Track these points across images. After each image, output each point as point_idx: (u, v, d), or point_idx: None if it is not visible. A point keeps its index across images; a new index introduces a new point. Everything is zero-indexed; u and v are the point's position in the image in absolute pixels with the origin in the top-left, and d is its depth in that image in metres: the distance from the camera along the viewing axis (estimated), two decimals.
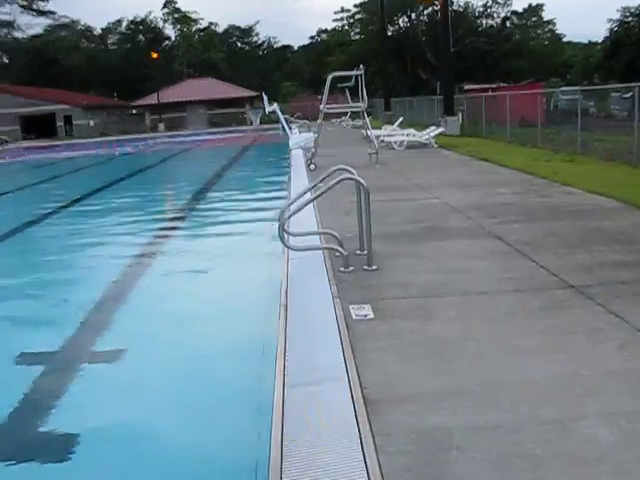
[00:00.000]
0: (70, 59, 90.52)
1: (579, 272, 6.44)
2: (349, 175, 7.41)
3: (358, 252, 7.60)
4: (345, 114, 56.44)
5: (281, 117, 20.46)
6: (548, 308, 5.51)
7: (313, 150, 18.18)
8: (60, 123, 69.37)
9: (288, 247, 7.07)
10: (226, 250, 10.68)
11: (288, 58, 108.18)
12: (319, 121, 18.38)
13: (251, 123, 64.34)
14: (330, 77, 17.28)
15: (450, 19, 30.26)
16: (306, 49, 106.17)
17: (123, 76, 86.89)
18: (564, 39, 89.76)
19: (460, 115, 31.29)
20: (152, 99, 68.93)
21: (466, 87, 43.72)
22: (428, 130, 24.02)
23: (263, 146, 38.37)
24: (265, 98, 19.77)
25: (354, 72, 17.53)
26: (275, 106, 20.56)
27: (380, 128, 31.84)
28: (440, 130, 23.66)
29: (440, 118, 31.14)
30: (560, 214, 9.50)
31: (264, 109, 20.54)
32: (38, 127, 67.07)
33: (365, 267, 7.01)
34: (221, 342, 6.54)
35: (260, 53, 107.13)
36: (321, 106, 17.79)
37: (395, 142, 23.09)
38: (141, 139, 51.94)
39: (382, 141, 23.89)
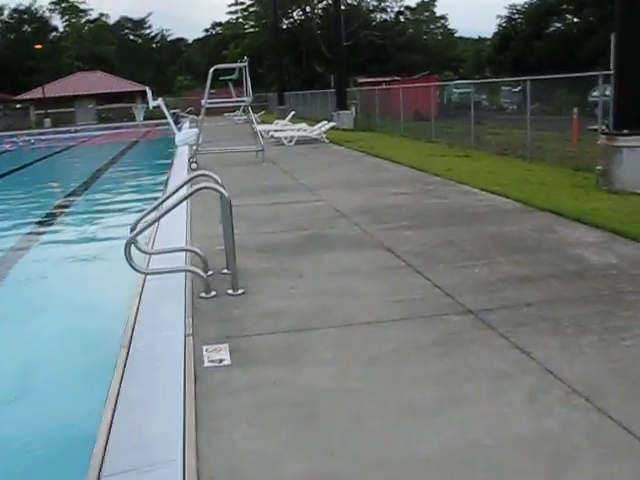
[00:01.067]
0: None
1: (478, 292, 5.52)
2: (207, 185, 6.22)
3: (225, 271, 6.46)
4: (238, 108, 55.28)
5: (166, 112, 18.97)
6: (443, 343, 4.53)
7: (194, 147, 16.86)
8: None
9: (135, 269, 5.82)
10: (71, 272, 9.08)
11: (182, 52, 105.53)
12: (201, 116, 17.10)
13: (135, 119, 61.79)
14: (212, 70, 16.01)
15: (343, 13, 29.61)
16: (201, 42, 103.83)
17: (8, 68, 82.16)
18: (456, 34, 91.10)
19: (353, 109, 30.56)
20: (38, 93, 65.26)
21: (360, 80, 43.10)
22: (319, 125, 23.08)
23: (151, 142, 36.60)
24: (149, 93, 18.27)
25: (237, 64, 16.34)
26: (160, 101, 19.05)
27: (272, 123, 30.78)
28: (331, 125, 22.78)
29: (333, 112, 30.34)
30: (455, 218, 8.65)
31: (148, 104, 18.88)
32: None
33: (229, 291, 5.87)
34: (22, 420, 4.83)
35: (153, 46, 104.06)
36: (202, 101, 16.51)
37: (285, 138, 22.03)
38: (21, 135, 48.73)
39: (272, 137, 22.81)
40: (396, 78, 39.11)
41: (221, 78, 17.56)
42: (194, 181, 6.69)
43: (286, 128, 25.87)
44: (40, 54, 73.49)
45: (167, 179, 14.93)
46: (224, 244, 5.98)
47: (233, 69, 16.38)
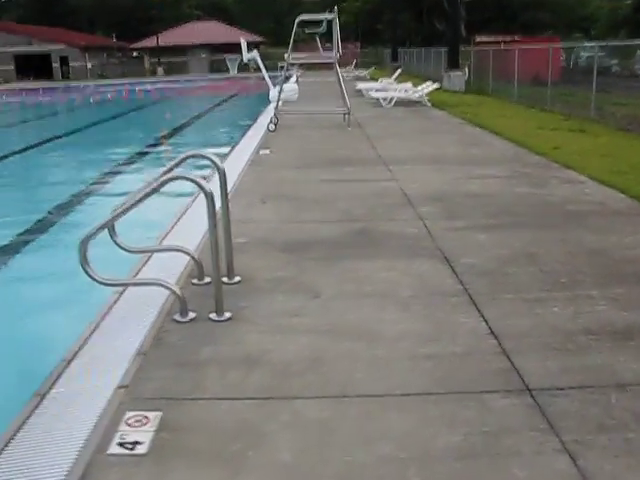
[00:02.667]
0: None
1: (549, 349, 3.80)
2: (182, 174, 4.68)
3: (226, 280, 4.99)
4: (349, 64, 53.39)
5: (262, 66, 17.51)
6: (468, 454, 2.88)
7: (275, 106, 15.37)
8: (56, 64, 66.28)
9: (93, 278, 4.39)
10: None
11: (302, 3, 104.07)
12: (283, 73, 15.57)
13: (229, 71, 60.86)
14: (297, 21, 14.40)
15: None
16: None
17: (131, 17, 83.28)
18: None
19: (466, 70, 28.20)
20: (153, 41, 65.54)
21: (477, 39, 40.22)
22: (423, 86, 21.07)
23: (246, 98, 35.32)
24: (244, 44, 16.81)
25: (324, 16, 14.64)
26: (255, 53, 17.61)
27: (378, 80, 28.92)
28: (435, 86, 20.71)
29: (444, 72, 28.13)
30: (548, 217, 6.79)
31: (242, 57, 17.46)
32: (34, 68, 64.07)
33: (212, 316, 4.39)
34: None
35: None
36: (285, 55, 14.96)
37: (384, 99, 20.20)
38: (118, 85, 48.69)
39: (371, 97, 21.04)
40: (516, 38, 36.05)
41: (307, 31, 15.89)
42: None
43: (389, 87, 23.98)
44: (161, 3, 73.77)
45: (235, 144, 13.49)
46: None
47: (321, 21, 14.68)
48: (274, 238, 6.15)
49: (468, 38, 57.34)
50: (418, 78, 34.19)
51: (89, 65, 67.24)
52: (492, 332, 4.03)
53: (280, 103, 19.94)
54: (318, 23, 14.83)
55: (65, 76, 65.56)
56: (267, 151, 11.49)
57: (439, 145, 11.88)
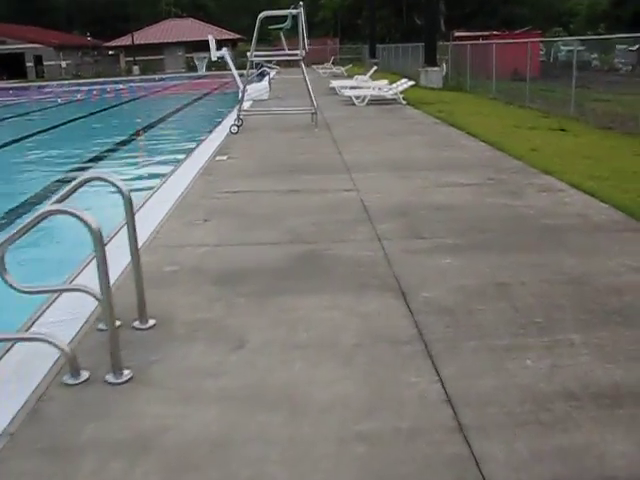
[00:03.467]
0: None
1: (518, 425, 3.01)
2: (62, 208, 3.80)
3: (137, 324, 4.17)
4: (328, 61, 52.55)
5: (231, 65, 16.63)
6: None
7: (238, 106, 14.54)
8: (30, 64, 65.04)
9: None
10: None
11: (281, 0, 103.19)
12: (246, 71, 14.73)
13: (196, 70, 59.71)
14: (260, 17, 13.56)
15: None
16: None
17: (108, 15, 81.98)
18: None
19: (444, 66, 27.46)
20: (128, 40, 64.38)
21: (456, 34, 39.51)
22: (398, 83, 20.30)
23: (218, 97, 34.30)
24: (212, 42, 15.93)
25: (288, 11, 13.81)
26: (224, 51, 16.75)
27: (352, 78, 28.16)
28: (410, 84, 19.93)
29: (420, 68, 27.39)
30: (525, 235, 6.01)
31: (210, 55, 16.56)
32: (7, 67, 62.78)
33: (108, 377, 3.56)
34: None
35: None
36: (248, 53, 14.15)
37: (356, 97, 19.40)
38: (89, 85, 47.50)
39: (344, 95, 20.25)
40: (495, 33, 35.37)
41: (270, 27, 15.04)
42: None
43: (364, 85, 23.21)
44: (138, 1, 72.62)
45: (192, 149, 12.62)
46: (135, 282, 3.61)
47: (285, 16, 13.84)
48: (208, 266, 5.34)
49: (447, 34, 56.73)
50: (396, 75, 33.42)
51: (63, 64, 66.06)
52: (448, 398, 3.24)
53: (248, 103, 19.14)
54: (284, 19, 13.98)
55: (39, 75, 64.38)
56: (224, 157, 10.67)
57: (409, 148, 11.09)
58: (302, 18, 13.59)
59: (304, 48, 13.86)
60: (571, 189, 7.73)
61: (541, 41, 24.53)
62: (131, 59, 63.66)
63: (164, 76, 54.40)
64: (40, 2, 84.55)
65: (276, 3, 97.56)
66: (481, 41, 27.56)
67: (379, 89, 20.18)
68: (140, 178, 11.37)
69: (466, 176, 8.57)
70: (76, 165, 13.16)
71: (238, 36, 66.74)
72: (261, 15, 13.56)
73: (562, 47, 30.61)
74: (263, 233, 6.26)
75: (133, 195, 3.97)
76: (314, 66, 47.37)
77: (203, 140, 13.53)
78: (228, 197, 7.82)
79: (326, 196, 7.69)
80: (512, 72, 22.77)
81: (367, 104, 19.06)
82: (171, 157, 12.60)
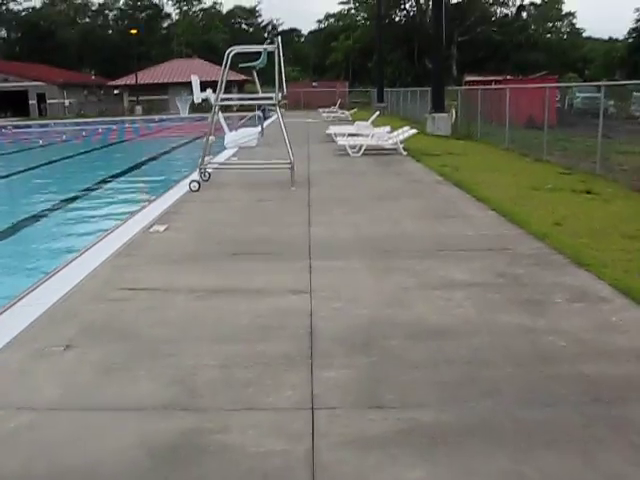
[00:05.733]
0: (65, 34, 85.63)
1: None
2: None
3: None
4: (334, 104, 50.68)
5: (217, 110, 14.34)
6: None
7: (200, 161, 12.29)
8: (33, 101, 63.73)
9: None
10: None
11: (293, 42, 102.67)
12: (210, 116, 12.51)
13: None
14: (228, 53, 11.41)
15: (460, 6, 24.33)
16: (313, 34, 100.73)
17: (119, 54, 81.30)
18: (583, 34, 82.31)
19: (453, 112, 25.30)
20: (132, 79, 62.98)
21: (467, 78, 37.46)
22: (399, 131, 18.06)
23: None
24: (195, 83, 13.65)
25: (262, 47, 11.65)
26: (209, 93, 14.41)
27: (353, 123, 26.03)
28: (412, 132, 17.67)
29: (427, 114, 25.24)
30: (555, 402, 3.60)
31: (194, 97, 14.24)
32: (11, 104, 61.53)
33: None
34: None
35: (265, 35, 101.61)
36: (209, 96, 11.99)
37: (352, 147, 17.16)
38: (77, 125, 45.53)
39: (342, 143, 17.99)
40: (508, 77, 33.27)
41: (241, 65, 12.87)
42: None
43: (364, 132, 20.98)
44: (150, 41, 71.71)
45: (134, 212, 10.30)
46: None
47: (258, 53, 11.68)
48: (12, 465, 2.96)
49: (460, 78, 54.89)
50: (404, 121, 31.36)
51: (66, 102, 64.72)
52: None
53: (231, 151, 16.88)
54: (254, 55, 11.81)
55: (42, 113, 63.07)
56: (161, 227, 8.36)
57: (398, 218, 8.73)
58: (279, 54, 11.38)
59: (281, 90, 11.62)
60: (618, 296, 5.33)
61: (560, 86, 22.33)
62: (134, 99, 62.17)
63: (164, 117, 52.58)
64: (50, 40, 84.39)
65: (287, 47, 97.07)
66: (494, 85, 25.46)
67: (377, 138, 17.92)
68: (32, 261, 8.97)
69: (468, 268, 6.19)
70: None
71: (244, 77, 65.20)
72: (229, 51, 11.40)
73: (578, 94, 28.51)
74: (135, 383, 3.90)
75: None
76: (320, 109, 45.61)
77: (152, 200, 11.22)
78: (126, 300, 5.46)
79: (263, 303, 5.31)
80: (527, 120, 20.60)
81: (363, 154, 16.82)
82: (102, 224, 10.26)
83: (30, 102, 63.85)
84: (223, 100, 12.09)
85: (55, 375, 4.06)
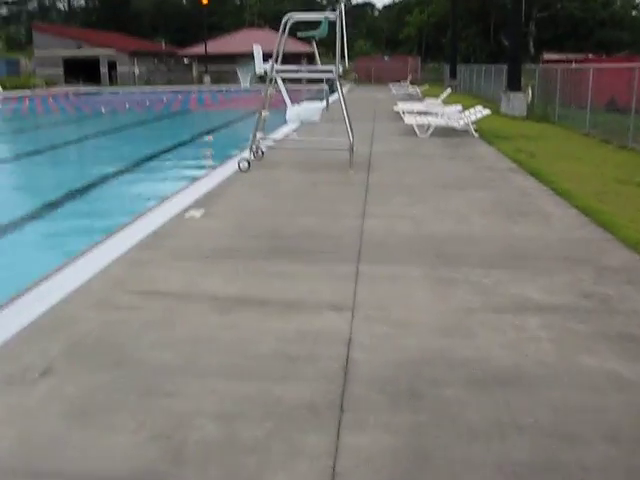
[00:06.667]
0: (140, 3, 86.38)
1: None
2: None
3: None
4: (405, 79, 49.18)
5: (280, 81, 13.40)
6: None
7: (252, 136, 11.39)
8: (104, 69, 64.12)
9: None
10: None
11: (367, 16, 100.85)
12: (267, 89, 11.57)
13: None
14: (286, 20, 10.44)
15: None
16: (388, 8, 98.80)
17: (191, 23, 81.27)
18: None
19: (529, 91, 23.76)
20: (201, 49, 62.52)
21: (545, 57, 35.47)
22: (471, 111, 16.80)
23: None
24: (258, 52, 12.74)
25: (322, 15, 10.61)
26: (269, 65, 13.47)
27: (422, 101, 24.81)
28: (486, 112, 16.39)
29: (502, 93, 23.78)
30: None
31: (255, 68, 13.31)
32: (82, 72, 62.12)
33: None
34: None
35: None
36: (267, 66, 11.04)
37: (420, 126, 16.02)
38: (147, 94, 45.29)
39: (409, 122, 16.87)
40: (590, 56, 31.26)
41: (299, 35, 11.83)
42: None
43: (433, 110, 19.76)
44: (223, 11, 71.31)
45: (177, 191, 9.46)
46: None
47: (319, 22, 10.65)
48: None
49: (537, 56, 52.53)
50: (477, 98, 29.92)
51: (136, 71, 64.85)
52: None
53: (293, 126, 16.00)
54: (314, 24, 10.79)
55: (113, 81, 63.45)
56: (198, 213, 7.50)
57: (465, 213, 7.65)
58: (342, 24, 10.34)
59: (343, 62, 10.59)
60: None
61: None
62: (203, 68, 61.78)
63: (231, 89, 51.95)
64: (125, 10, 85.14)
65: (361, 22, 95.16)
66: (574, 65, 23.78)
67: (448, 118, 16.69)
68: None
69: (545, 284, 5.12)
70: None
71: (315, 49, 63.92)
72: (286, 18, 10.42)
73: None
74: (110, 434, 3.02)
75: None
76: (390, 84, 44.37)
77: (199, 178, 10.38)
78: (132, 308, 4.60)
79: (293, 322, 4.37)
80: (608, 102, 19.04)
81: (432, 134, 15.66)
82: (139, 204, 9.46)
83: (101, 69, 64.23)
84: (279, 72, 11.00)
85: (14, 419, 3.22)
